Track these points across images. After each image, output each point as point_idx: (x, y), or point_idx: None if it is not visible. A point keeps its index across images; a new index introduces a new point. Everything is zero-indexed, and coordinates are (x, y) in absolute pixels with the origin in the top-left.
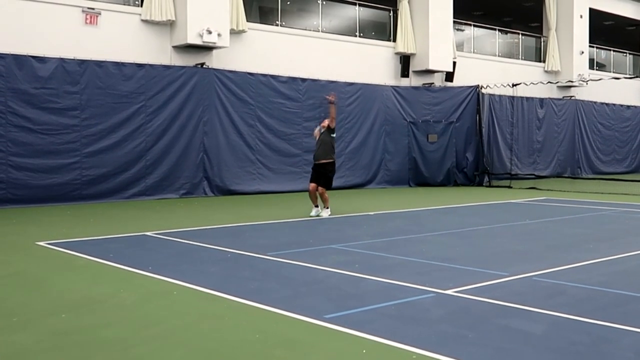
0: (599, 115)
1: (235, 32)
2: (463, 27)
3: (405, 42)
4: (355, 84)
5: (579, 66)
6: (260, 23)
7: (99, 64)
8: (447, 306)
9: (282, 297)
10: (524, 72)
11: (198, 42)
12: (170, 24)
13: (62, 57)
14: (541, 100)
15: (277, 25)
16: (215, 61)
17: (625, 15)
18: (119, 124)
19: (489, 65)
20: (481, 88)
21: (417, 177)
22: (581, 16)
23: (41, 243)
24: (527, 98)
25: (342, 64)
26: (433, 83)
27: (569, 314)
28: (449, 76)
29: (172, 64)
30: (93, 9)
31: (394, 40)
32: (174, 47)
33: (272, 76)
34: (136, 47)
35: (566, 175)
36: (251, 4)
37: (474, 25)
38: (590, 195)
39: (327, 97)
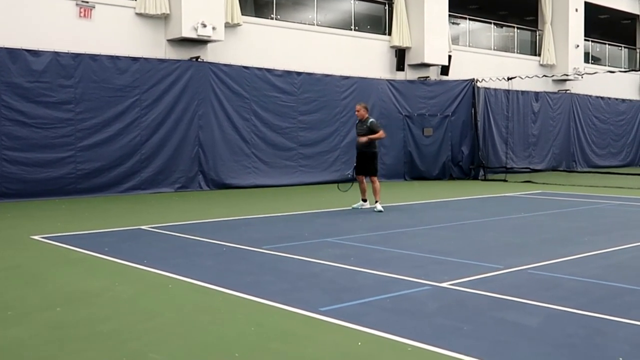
0: (594, 109)
1: (230, 26)
2: (458, 20)
3: (400, 35)
4: (350, 78)
5: (574, 60)
6: (255, 16)
7: (94, 57)
8: (443, 299)
9: (278, 290)
10: (520, 65)
11: (193, 35)
12: (164, 18)
13: (56, 50)
14: (536, 93)
15: (272, 18)
16: (210, 55)
17: (620, 9)
18: (113, 118)
19: (484, 59)
20: (477, 82)
21: (413, 170)
22: (576, 10)
23: (36, 237)
24: (523, 92)
25: (338, 58)
26: (428, 77)
27: (564, 306)
28: (445, 70)
29: (167, 58)
30: (87, 2)
31: (390, 34)
32: (169, 40)
33: (268, 70)
34: (131, 41)
35: (561, 169)
36: None
37: (470, 19)
38: (586, 188)
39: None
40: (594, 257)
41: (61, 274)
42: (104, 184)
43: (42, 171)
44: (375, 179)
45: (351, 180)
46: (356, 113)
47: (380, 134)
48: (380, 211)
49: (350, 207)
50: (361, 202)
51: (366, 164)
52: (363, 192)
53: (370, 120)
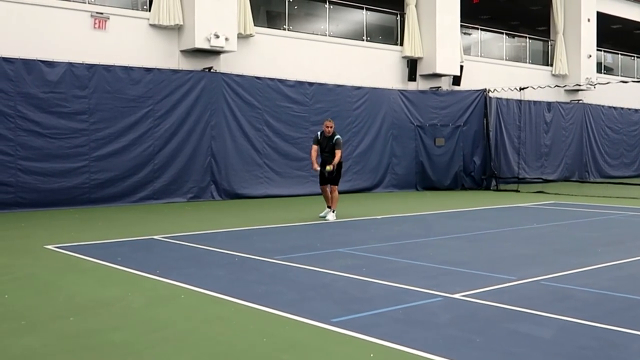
0: (606, 119)
1: (242, 37)
2: (470, 30)
3: (412, 46)
4: (362, 88)
5: (587, 70)
6: (268, 27)
7: (108, 68)
8: (455, 310)
9: (289, 300)
10: (532, 75)
11: (206, 46)
12: (178, 29)
13: (70, 61)
14: (549, 104)
15: (284, 29)
16: (222, 65)
17: (632, 19)
18: (127, 128)
19: (496, 69)
20: (488, 92)
21: (424, 181)
22: (589, 20)
23: (49, 246)
24: (535, 102)
25: (350, 68)
26: (440, 87)
27: (577, 318)
28: (456, 80)
29: (180, 68)
30: (102, 13)
31: (401, 44)
32: (182, 51)
33: (280, 80)
34: (144, 52)
35: (574, 179)
36: (259, 9)
37: (481, 29)
38: (598, 199)
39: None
40: (607, 269)
41: (74, 284)
42: (117, 194)
43: (56, 181)
44: (336, 188)
45: None
46: (328, 130)
47: (339, 154)
48: (327, 220)
49: (318, 216)
50: (327, 210)
51: (330, 175)
52: (327, 199)
53: (337, 137)
